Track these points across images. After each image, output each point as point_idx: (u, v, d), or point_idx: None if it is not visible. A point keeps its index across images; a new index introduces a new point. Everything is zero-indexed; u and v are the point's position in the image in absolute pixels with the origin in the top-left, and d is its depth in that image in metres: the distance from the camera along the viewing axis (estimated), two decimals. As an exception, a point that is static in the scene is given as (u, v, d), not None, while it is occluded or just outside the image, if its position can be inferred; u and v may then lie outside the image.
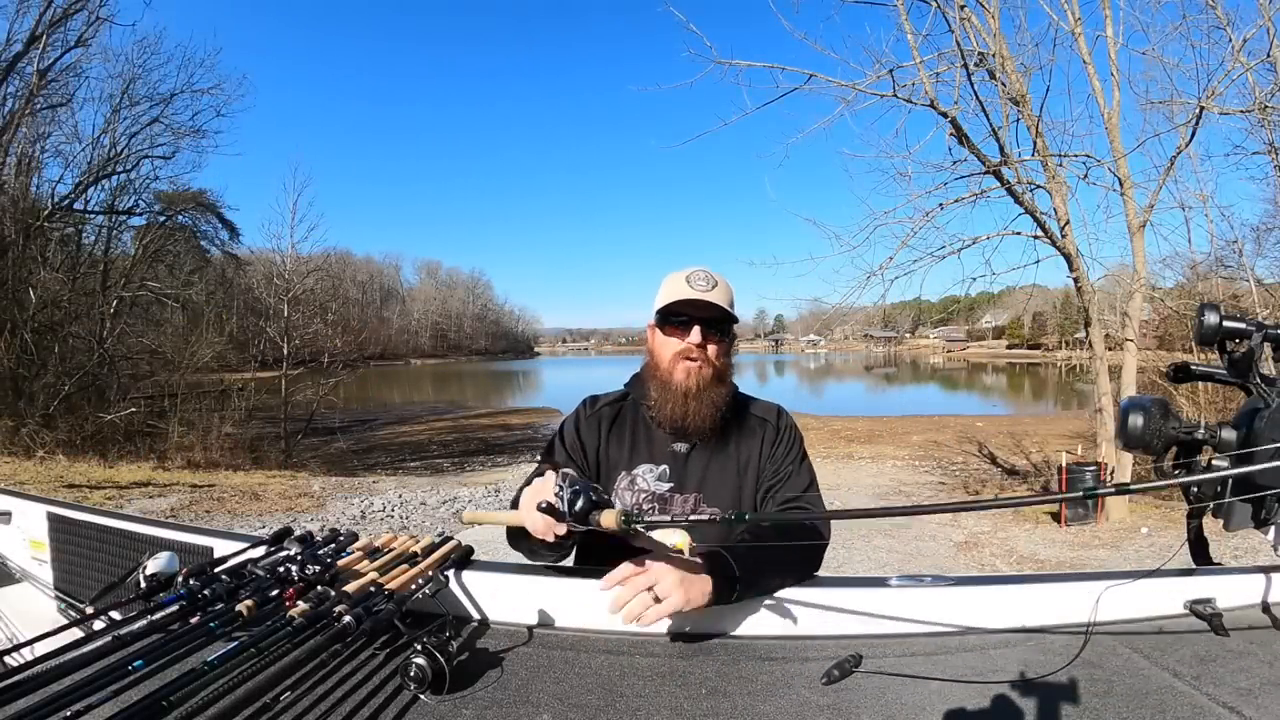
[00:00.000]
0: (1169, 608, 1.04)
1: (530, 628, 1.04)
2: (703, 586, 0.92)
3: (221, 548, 1.29)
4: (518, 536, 1.07)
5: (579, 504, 0.85)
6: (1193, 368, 0.97)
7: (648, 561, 0.92)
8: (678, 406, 1.19)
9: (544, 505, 0.87)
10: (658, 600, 0.90)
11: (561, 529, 0.89)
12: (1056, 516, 7.51)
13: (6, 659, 0.87)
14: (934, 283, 49.06)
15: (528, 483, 1.10)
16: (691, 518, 0.96)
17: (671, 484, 1.23)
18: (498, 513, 1.10)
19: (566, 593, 1.05)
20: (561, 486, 0.87)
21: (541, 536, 0.93)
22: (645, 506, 1.21)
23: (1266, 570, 1.07)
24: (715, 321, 1.21)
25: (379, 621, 0.88)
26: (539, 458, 1.30)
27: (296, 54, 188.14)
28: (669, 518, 0.88)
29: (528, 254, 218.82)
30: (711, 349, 1.21)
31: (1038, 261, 7.96)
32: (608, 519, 0.84)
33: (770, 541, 1.03)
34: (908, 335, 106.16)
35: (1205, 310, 0.89)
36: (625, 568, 0.93)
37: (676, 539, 0.83)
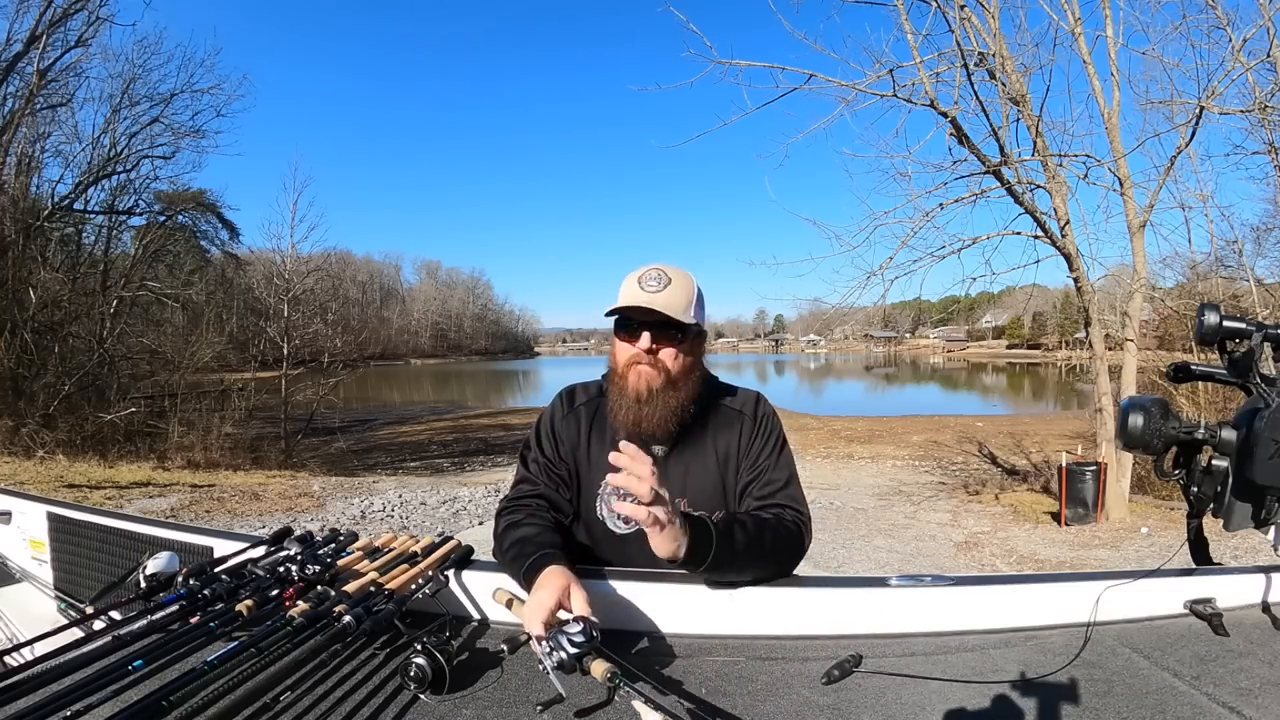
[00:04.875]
0: (1169, 608, 1.04)
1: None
2: (675, 543, 0.94)
3: (221, 548, 1.29)
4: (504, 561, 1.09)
5: (565, 661, 0.81)
6: (1193, 368, 0.97)
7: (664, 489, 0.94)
8: (630, 411, 1.18)
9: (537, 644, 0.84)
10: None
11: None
12: (1056, 516, 7.51)
13: (6, 659, 0.87)
14: (934, 283, 49.05)
15: (515, 516, 1.13)
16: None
17: None
18: (524, 596, 1.01)
19: (566, 593, 1.05)
20: (543, 653, 0.82)
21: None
22: None
23: (1266, 570, 1.07)
24: (666, 324, 1.17)
25: (379, 621, 0.88)
26: (522, 453, 1.28)
27: (297, 57, 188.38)
28: (654, 693, 0.79)
29: (528, 254, 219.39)
30: (665, 353, 1.17)
31: (1038, 261, 7.96)
32: (596, 670, 0.80)
33: (752, 542, 1.03)
34: (908, 335, 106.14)
35: (1205, 310, 0.89)
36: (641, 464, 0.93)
37: None
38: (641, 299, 1.16)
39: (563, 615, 0.87)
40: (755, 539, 1.04)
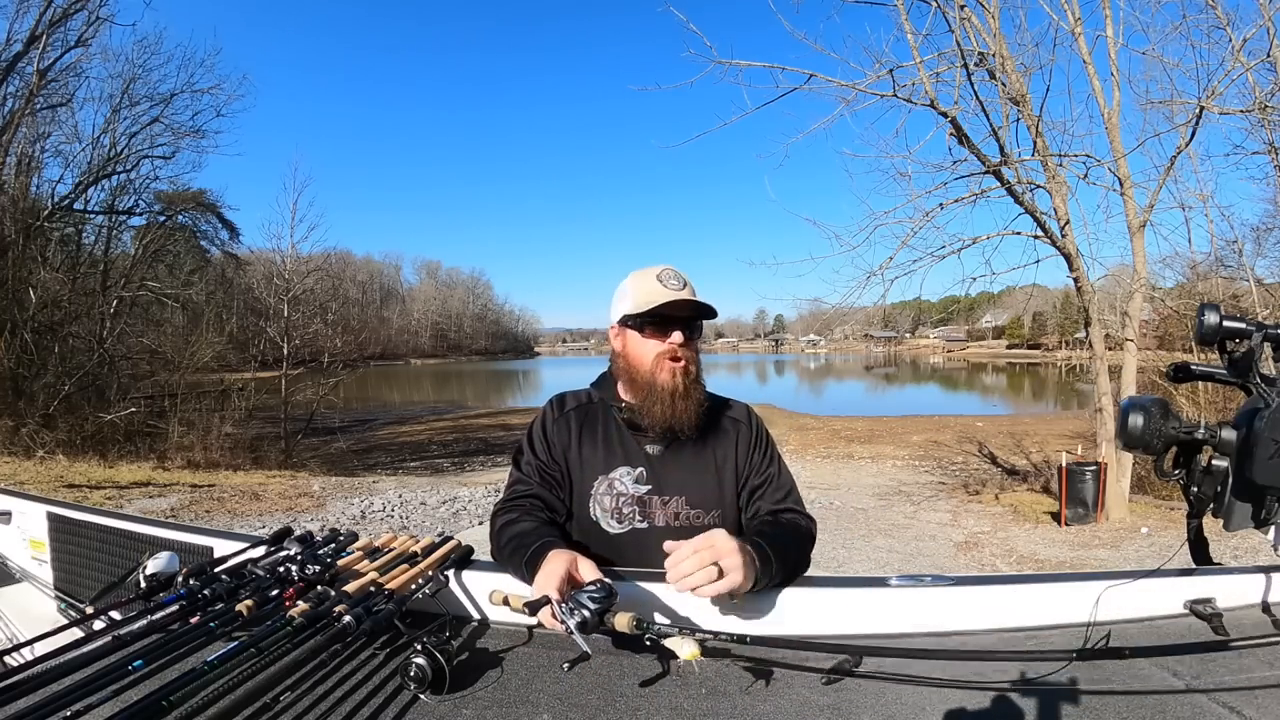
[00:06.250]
0: (1169, 608, 1.04)
1: (530, 628, 1.04)
2: (753, 574, 0.95)
3: (221, 548, 1.29)
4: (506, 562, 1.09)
5: (589, 619, 0.82)
6: (1193, 368, 0.96)
7: (710, 536, 0.94)
8: (665, 408, 1.20)
9: (555, 621, 0.86)
10: (721, 576, 0.91)
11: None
12: (1056, 516, 7.51)
13: (6, 659, 0.87)
14: (934, 283, 49.05)
15: (511, 517, 1.13)
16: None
17: (649, 486, 1.24)
18: (522, 593, 1.00)
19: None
20: (564, 614, 0.83)
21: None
22: (625, 510, 1.22)
23: (1266, 570, 1.07)
24: (690, 321, 1.24)
25: (379, 621, 0.88)
26: (515, 458, 1.29)
27: (297, 58, 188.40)
28: (676, 628, 0.82)
29: (528, 254, 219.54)
30: (692, 347, 1.24)
31: (1038, 261, 7.97)
32: (620, 622, 0.83)
33: (780, 548, 1.06)
34: (908, 335, 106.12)
35: (1205, 310, 0.89)
36: (694, 543, 0.93)
37: (689, 649, 0.79)
38: (673, 295, 1.20)
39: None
40: (789, 547, 1.08)
